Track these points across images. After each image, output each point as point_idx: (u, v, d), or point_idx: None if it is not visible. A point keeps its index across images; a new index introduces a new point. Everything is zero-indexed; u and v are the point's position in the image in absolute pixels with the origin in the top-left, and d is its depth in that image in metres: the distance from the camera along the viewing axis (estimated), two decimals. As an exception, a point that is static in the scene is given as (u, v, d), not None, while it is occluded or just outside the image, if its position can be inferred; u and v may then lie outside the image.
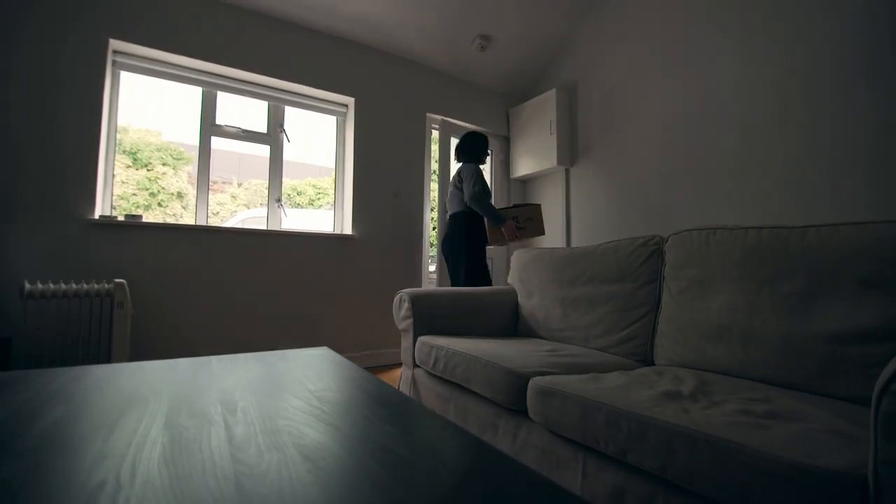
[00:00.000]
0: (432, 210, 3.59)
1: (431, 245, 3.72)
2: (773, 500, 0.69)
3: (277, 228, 2.92)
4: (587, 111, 3.41)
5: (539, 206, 2.87)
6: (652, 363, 1.54)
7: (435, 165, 3.59)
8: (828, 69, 2.14)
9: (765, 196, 2.35)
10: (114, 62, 2.42)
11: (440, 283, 3.43)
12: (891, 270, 1.03)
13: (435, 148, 3.59)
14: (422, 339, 1.81)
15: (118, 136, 2.50)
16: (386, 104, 3.30)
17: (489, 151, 3.04)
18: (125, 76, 2.49)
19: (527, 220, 2.79)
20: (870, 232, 1.09)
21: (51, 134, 2.15)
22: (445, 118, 3.61)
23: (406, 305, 1.90)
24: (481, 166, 2.87)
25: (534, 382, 1.21)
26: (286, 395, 0.76)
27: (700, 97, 2.67)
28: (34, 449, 0.50)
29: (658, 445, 0.86)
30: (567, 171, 3.56)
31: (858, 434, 0.77)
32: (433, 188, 3.62)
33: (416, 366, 1.88)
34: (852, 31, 2.06)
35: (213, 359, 1.04)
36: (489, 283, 2.79)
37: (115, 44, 2.36)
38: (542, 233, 2.85)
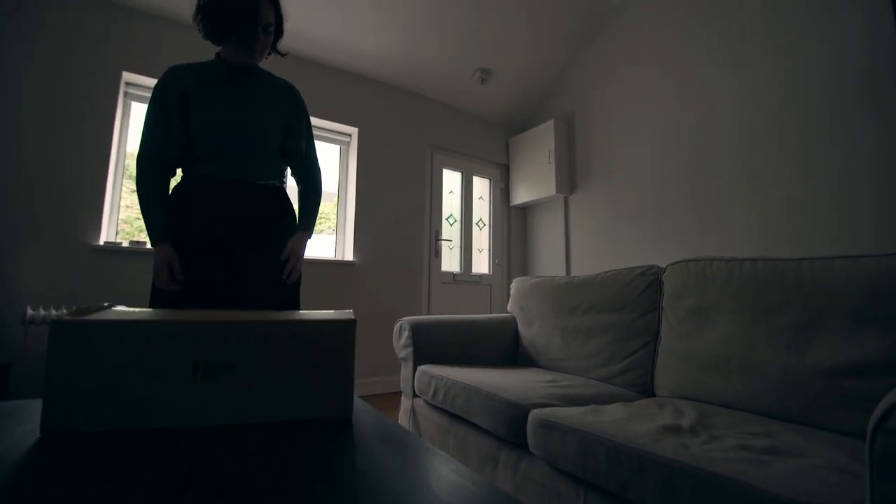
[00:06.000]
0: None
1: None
2: (775, 539, 0.68)
3: (279, 254, 2.94)
4: (585, 141, 3.48)
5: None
6: (653, 394, 1.53)
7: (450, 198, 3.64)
8: (826, 95, 2.16)
9: (763, 224, 2.38)
10: (125, 93, 2.50)
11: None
12: (885, 304, 1.04)
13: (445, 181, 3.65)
14: (421, 368, 1.81)
15: (126, 163, 2.55)
16: (388, 134, 3.39)
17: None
18: (136, 106, 2.56)
19: None
20: (863, 266, 1.11)
21: (61, 162, 2.21)
22: (446, 148, 3.69)
23: (406, 334, 1.90)
24: None
25: (534, 415, 1.21)
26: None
27: (697, 125, 2.73)
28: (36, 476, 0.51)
29: (659, 481, 0.86)
30: (566, 199, 3.61)
31: (858, 470, 0.77)
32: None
33: (415, 395, 1.86)
34: (850, 55, 2.08)
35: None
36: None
37: (127, 76, 2.44)
38: None
